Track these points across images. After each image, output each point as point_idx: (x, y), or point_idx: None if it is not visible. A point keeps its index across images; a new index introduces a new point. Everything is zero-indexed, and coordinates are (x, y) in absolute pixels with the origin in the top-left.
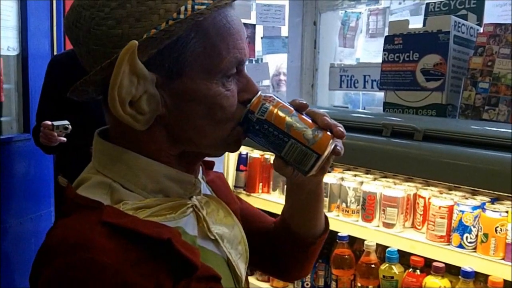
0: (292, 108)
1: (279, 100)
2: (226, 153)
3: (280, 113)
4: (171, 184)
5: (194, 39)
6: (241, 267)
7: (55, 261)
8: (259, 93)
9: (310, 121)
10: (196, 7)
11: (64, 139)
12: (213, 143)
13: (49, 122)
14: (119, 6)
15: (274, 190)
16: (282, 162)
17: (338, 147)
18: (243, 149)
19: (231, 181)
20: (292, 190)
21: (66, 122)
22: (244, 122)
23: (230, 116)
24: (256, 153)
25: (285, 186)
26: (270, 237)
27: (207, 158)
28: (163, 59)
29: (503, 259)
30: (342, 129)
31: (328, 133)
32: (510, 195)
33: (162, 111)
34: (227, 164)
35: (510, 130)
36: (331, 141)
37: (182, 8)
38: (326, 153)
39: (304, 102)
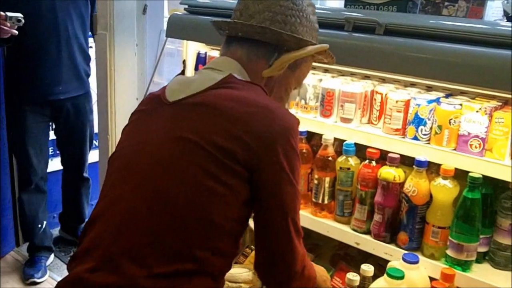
0: None
1: None
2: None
3: None
4: None
5: None
6: None
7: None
8: None
9: None
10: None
11: (16, 32)
12: None
13: (2, 13)
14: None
15: None
16: None
17: None
18: (202, 48)
19: None
20: None
21: (19, 14)
22: None
23: None
24: (215, 53)
25: None
26: None
27: None
28: None
29: (455, 149)
30: None
31: None
32: (464, 88)
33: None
34: (186, 64)
35: (467, 24)
36: None
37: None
38: None
39: None
